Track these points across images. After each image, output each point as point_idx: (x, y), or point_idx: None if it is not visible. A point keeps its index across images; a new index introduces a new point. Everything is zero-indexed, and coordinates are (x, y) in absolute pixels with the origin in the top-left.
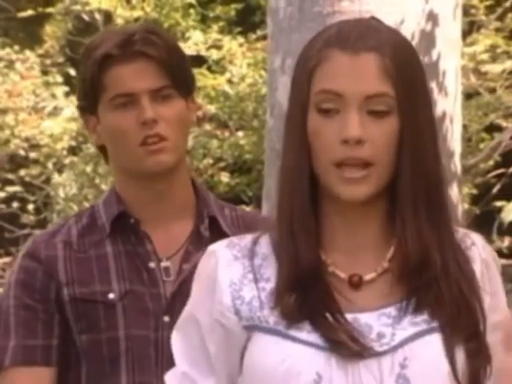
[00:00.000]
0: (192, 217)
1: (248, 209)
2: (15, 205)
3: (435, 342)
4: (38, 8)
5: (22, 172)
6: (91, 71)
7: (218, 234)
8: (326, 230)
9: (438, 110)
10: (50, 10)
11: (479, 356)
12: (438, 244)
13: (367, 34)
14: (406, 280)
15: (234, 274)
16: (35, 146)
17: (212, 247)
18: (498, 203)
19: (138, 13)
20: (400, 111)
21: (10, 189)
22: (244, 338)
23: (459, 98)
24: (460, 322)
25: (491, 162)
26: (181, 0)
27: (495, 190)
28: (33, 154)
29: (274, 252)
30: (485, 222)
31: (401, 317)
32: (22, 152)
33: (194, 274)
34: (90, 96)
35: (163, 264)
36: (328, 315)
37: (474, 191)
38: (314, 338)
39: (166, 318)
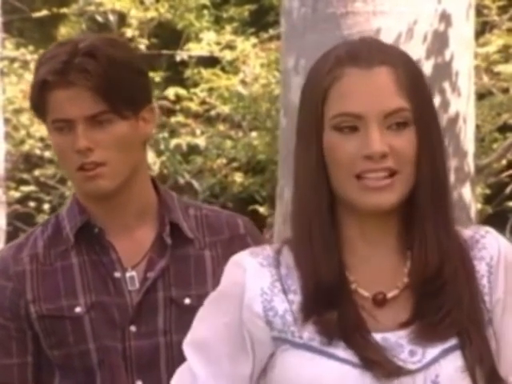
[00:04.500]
0: (155, 223)
1: (262, 209)
2: (30, 204)
3: (460, 358)
4: (52, 8)
5: (37, 172)
6: (34, 92)
7: (180, 239)
8: (345, 244)
9: (451, 110)
10: (64, 10)
11: (494, 376)
12: (451, 253)
13: (376, 49)
14: (426, 294)
15: (263, 281)
16: (50, 146)
17: (235, 257)
18: (511, 203)
19: (151, 14)
20: (416, 123)
21: (25, 188)
22: (271, 349)
23: (472, 98)
24: (479, 345)
25: (504, 162)
26: (194, 1)
27: (508, 189)
28: (47, 154)
29: (296, 264)
30: (498, 221)
31: (428, 333)
32: (37, 151)
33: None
34: (39, 112)
35: (128, 274)
36: (359, 335)
37: (487, 191)
38: (348, 354)
39: (133, 328)
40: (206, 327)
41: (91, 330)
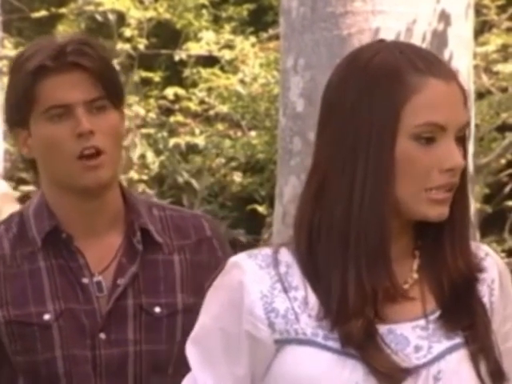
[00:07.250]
0: (122, 228)
1: (261, 208)
2: None
3: (465, 356)
4: (51, 8)
5: None
6: (23, 83)
7: (149, 244)
8: None
9: None
10: (63, 10)
11: (499, 372)
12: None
13: (443, 61)
14: (436, 292)
15: (262, 284)
16: None
17: (233, 259)
18: (510, 202)
19: (150, 13)
20: (466, 138)
21: (25, 188)
22: (273, 350)
23: (471, 97)
24: (484, 339)
25: (503, 162)
26: (193, 0)
27: (507, 189)
28: None
29: (297, 262)
30: (497, 221)
31: (434, 329)
32: None
33: (210, 289)
34: (22, 108)
35: (95, 279)
36: (364, 335)
37: (486, 190)
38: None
39: (102, 336)
40: (201, 327)
41: (59, 338)
